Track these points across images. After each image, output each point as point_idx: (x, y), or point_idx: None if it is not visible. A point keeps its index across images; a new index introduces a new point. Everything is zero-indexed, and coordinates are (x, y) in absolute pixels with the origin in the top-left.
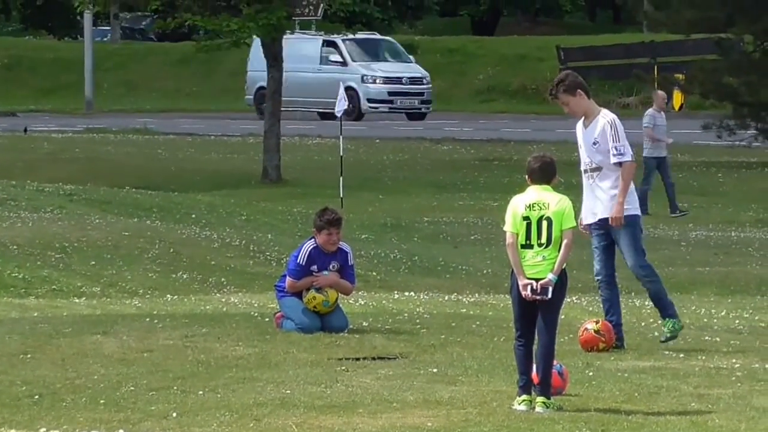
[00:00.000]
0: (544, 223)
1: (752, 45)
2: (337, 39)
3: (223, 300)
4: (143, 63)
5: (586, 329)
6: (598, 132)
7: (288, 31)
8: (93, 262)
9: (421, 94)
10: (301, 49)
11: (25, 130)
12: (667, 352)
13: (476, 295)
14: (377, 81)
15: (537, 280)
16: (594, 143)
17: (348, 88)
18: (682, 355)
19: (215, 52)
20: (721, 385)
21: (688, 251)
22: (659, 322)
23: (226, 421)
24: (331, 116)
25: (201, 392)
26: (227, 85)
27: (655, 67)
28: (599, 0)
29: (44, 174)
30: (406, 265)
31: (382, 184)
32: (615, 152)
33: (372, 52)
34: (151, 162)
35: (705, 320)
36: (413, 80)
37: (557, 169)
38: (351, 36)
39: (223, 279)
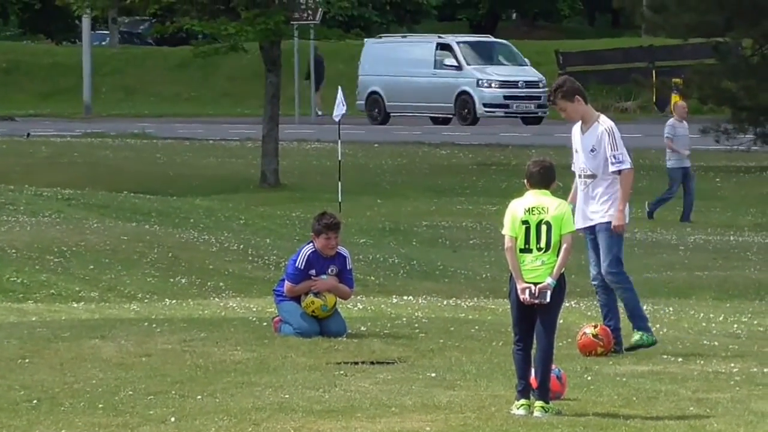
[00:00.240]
0: (543, 228)
1: (750, 49)
2: (452, 42)
3: (222, 304)
4: (141, 67)
5: (584, 333)
6: (596, 139)
7: (399, 35)
8: (91, 267)
9: (538, 98)
10: (414, 52)
11: (28, 135)
12: (665, 357)
13: (475, 299)
14: (493, 85)
15: (535, 284)
16: (592, 150)
17: (462, 93)
18: (680, 360)
19: (213, 56)
20: (720, 390)
21: (686, 255)
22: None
23: (224, 426)
24: (443, 122)
25: (199, 397)
26: (225, 89)
27: (654, 71)
28: (598, 4)
29: (43, 178)
30: (405, 270)
31: (380, 188)
32: (614, 160)
33: (486, 55)
34: (150, 166)
35: (703, 324)
36: (529, 84)
37: (556, 174)
38: (465, 38)
39: (221, 283)
